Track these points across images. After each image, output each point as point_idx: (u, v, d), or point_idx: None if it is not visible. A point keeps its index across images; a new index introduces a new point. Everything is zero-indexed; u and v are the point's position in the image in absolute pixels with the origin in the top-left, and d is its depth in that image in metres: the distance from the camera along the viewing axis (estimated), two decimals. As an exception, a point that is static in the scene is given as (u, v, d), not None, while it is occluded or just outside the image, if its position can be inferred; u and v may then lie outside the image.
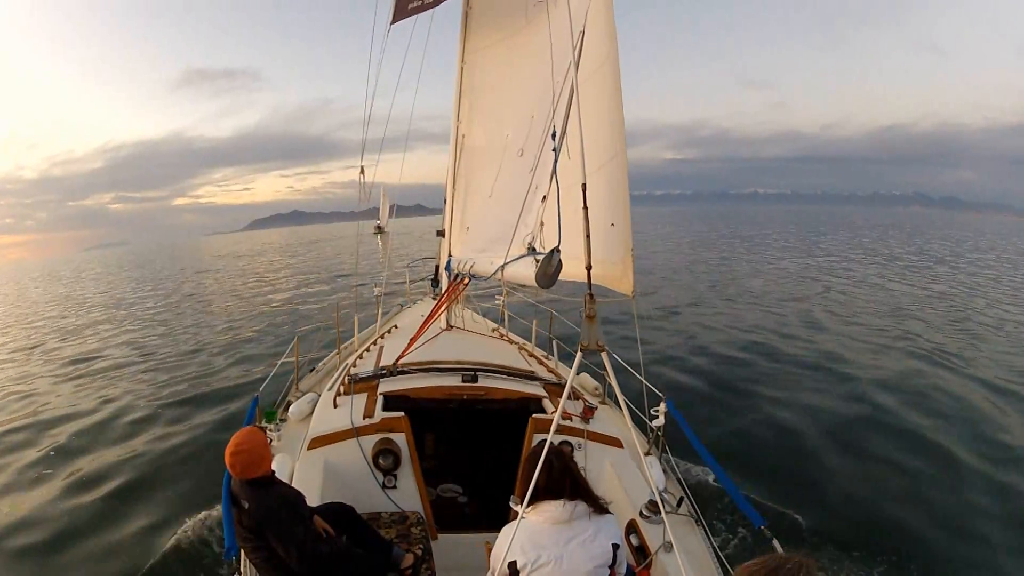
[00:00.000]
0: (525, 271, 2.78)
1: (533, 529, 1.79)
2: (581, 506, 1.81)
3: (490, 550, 2.72)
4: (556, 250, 2.35)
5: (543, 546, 1.75)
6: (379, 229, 47.90)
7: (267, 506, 2.16)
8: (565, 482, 1.83)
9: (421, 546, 2.65)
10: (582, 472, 2.05)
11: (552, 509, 1.79)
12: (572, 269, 2.46)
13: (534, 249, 2.85)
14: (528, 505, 1.81)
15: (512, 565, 1.76)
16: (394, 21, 4.12)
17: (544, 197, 2.80)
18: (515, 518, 1.84)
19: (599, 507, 1.86)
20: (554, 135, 2.44)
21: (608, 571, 1.82)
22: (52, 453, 6.30)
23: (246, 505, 2.16)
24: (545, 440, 1.90)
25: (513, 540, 1.77)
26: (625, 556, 1.95)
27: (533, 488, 1.78)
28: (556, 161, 2.35)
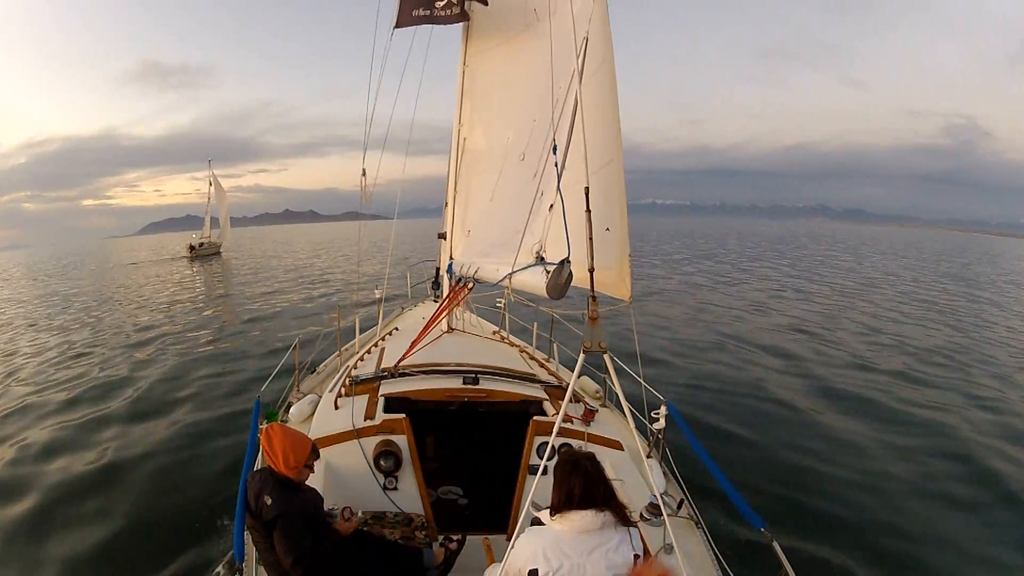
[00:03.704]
0: (533, 280, 2.78)
1: (557, 537, 1.75)
2: (609, 515, 1.77)
3: (488, 546, 2.73)
4: (566, 261, 2.35)
5: (566, 554, 1.71)
6: (195, 248, 39.95)
7: (286, 508, 2.19)
8: (599, 490, 1.79)
9: (455, 543, 2.68)
10: None
11: (580, 518, 1.74)
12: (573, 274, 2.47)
13: (543, 259, 2.85)
14: (556, 513, 1.78)
15: (533, 573, 1.71)
16: (397, 26, 4.14)
17: (551, 206, 2.81)
18: (534, 525, 1.84)
19: (625, 518, 1.82)
20: (555, 150, 2.45)
21: None
22: (53, 450, 6.29)
23: (268, 502, 2.17)
24: (570, 445, 1.91)
25: (536, 548, 1.74)
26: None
27: (567, 496, 1.76)
28: (560, 175, 2.36)
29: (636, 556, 1.78)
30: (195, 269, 32.55)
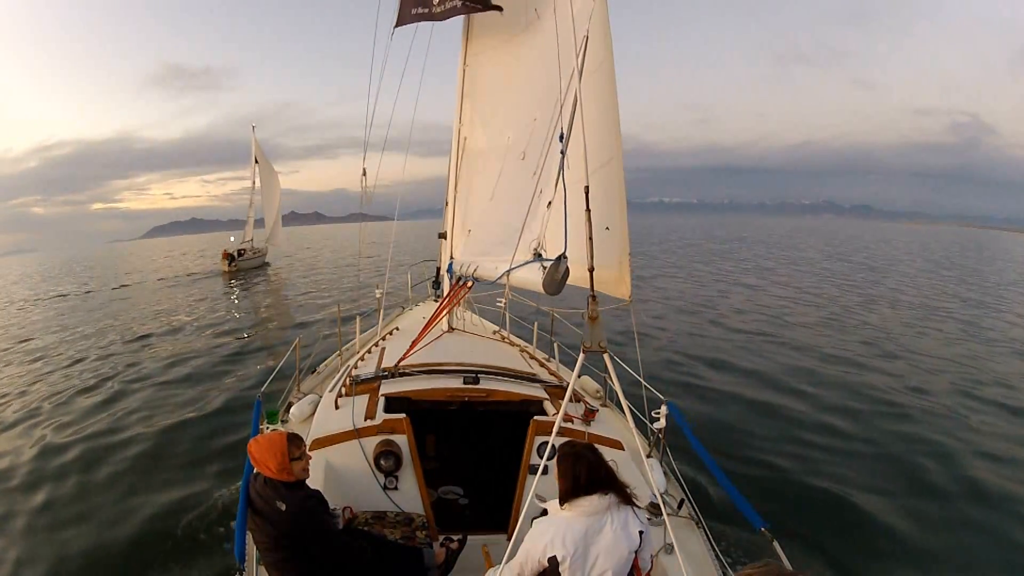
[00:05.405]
0: (531, 276, 2.78)
1: (569, 523, 1.88)
2: (613, 496, 1.91)
3: (486, 553, 2.73)
4: (563, 256, 2.36)
5: (580, 538, 1.85)
6: (234, 258, 27.15)
7: (301, 502, 2.19)
8: (602, 475, 1.93)
9: (456, 542, 2.69)
10: None
11: (588, 503, 1.88)
12: (570, 272, 2.47)
13: (540, 255, 2.84)
14: (565, 502, 1.91)
15: (552, 560, 1.84)
16: (398, 25, 4.13)
17: (549, 203, 2.81)
18: (543, 515, 1.96)
19: (627, 497, 1.96)
20: (561, 137, 2.45)
21: (634, 555, 1.94)
22: (55, 444, 6.32)
23: (282, 507, 2.14)
24: (571, 440, 2.00)
25: (552, 536, 1.86)
26: (650, 539, 2.05)
27: (574, 484, 1.89)
28: (562, 164, 2.36)
29: (641, 532, 1.94)
30: (239, 300, 19.35)
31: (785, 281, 21.72)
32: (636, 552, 1.93)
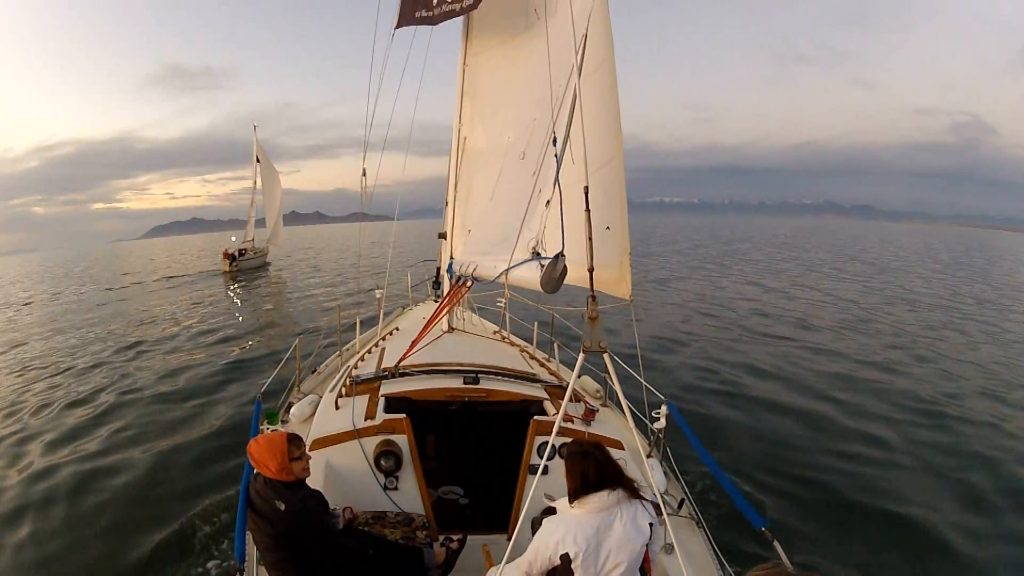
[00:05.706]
0: (529, 275, 2.79)
1: (579, 520, 1.91)
2: (621, 492, 1.94)
3: (487, 553, 2.73)
4: (561, 255, 2.37)
5: (591, 535, 1.88)
6: (235, 258, 26.98)
7: (301, 502, 2.19)
8: (610, 471, 1.96)
9: (458, 541, 2.70)
10: None
11: (598, 499, 1.91)
12: (570, 272, 2.47)
13: (539, 254, 2.85)
14: (575, 499, 1.94)
15: (564, 557, 1.86)
16: (399, 26, 4.13)
17: (548, 202, 2.82)
18: (552, 514, 2.00)
19: (634, 491, 1.98)
20: (555, 141, 2.46)
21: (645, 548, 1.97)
22: (61, 441, 6.31)
23: (282, 507, 2.14)
24: (578, 439, 2.02)
25: (562, 533, 1.89)
26: (659, 531, 2.08)
27: (583, 482, 1.92)
28: (559, 167, 2.36)
29: (651, 524, 1.96)
30: (240, 303, 18.96)
31: (802, 283, 21.62)
32: (647, 545, 1.95)
